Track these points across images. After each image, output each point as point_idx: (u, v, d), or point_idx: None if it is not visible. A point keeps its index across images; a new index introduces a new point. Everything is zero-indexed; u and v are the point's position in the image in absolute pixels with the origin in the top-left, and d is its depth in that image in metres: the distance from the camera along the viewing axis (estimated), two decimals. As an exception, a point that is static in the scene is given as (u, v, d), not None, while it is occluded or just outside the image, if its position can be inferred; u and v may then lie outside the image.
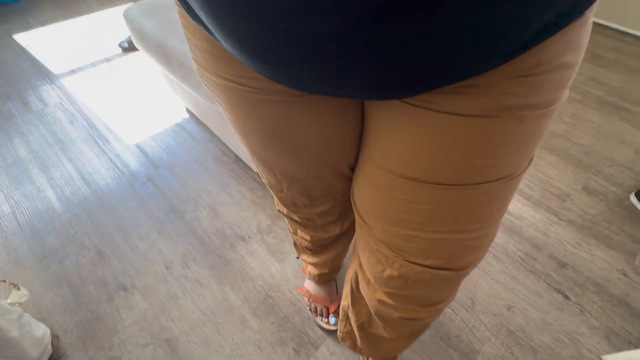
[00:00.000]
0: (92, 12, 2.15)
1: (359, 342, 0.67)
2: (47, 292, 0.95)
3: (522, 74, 0.27)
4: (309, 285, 0.93)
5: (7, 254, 1.03)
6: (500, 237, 1.13)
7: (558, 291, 1.00)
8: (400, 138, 0.34)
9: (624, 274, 1.03)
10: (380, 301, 0.48)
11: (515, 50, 0.25)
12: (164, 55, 1.03)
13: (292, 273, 1.02)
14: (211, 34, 0.31)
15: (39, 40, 1.88)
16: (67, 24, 2.03)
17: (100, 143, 1.37)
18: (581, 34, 0.28)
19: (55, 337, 0.87)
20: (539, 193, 1.26)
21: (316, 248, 0.76)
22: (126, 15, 1.15)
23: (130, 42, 1.84)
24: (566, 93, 0.31)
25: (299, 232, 0.71)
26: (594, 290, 1.00)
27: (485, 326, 0.93)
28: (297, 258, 0.99)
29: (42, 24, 2.02)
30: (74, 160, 1.30)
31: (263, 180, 0.57)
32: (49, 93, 1.58)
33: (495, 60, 0.25)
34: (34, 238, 1.07)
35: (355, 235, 0.54)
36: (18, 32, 1.94)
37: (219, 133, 1.30)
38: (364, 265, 0.49)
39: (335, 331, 0.89)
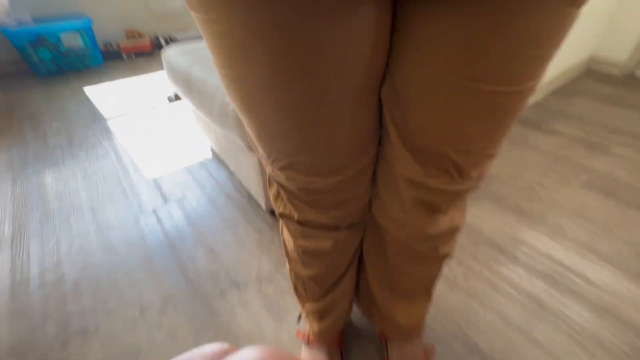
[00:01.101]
0: (155, 70, 2.44)
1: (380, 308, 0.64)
2: (2, 326, 0.81)
3: None
4: (306, 355, 0.68)
5: (-15, 278, 0.93)
6: (585, 318, 0.80)
7: None
8: (447, 36, 0.29)
9: None
10: (410, 237, 0.49)
11: None
12: (187, 83, 1.03)
13: (290, 337, 0.78)
14: None
15: (102, 92, 2.13)
16: (130, 80, 2.31)
17: (120, 175, 1.35)
18: None
19: (-16, 387, 0.69)
20: (637, 262, 0.93)
21: (334, 266, 0.58)
22: (163, 54, 1.22)
23: (176, 95, 2.00)
24: None
25: (312, 237, 0.52)
26: None
27: None
28: (298, 321, 0.75)
29: (111, 79, 2.32)
30: (90, 190, 1.27)
31: (268, 164, 0.42)
32: (94, 133, 1.68)
33: None
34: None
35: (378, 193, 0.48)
36: (89, 85, 2.23)
37: (233, 167, 1.22)
38: (391, 204, 0.46)
39: None
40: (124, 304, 0.86)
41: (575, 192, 1.20)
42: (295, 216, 0.49)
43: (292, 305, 0.84)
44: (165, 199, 1.22)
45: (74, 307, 0.85)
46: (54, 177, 1.35)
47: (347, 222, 0.51)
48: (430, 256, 0.53)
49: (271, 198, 0.52)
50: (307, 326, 0.68)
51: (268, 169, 0.45)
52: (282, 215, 0.52)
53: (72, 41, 2.39)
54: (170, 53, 1.20)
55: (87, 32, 2.42)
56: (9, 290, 0.90)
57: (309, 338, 0.69)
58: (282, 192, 0.49)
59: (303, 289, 0.62)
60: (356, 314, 0.81)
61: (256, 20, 0.28)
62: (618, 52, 2.17)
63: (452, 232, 0.50)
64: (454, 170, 0.38)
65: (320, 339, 0.67)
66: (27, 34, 2.20)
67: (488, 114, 0.33)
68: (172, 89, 2.09)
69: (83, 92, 2.13)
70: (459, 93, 0.31)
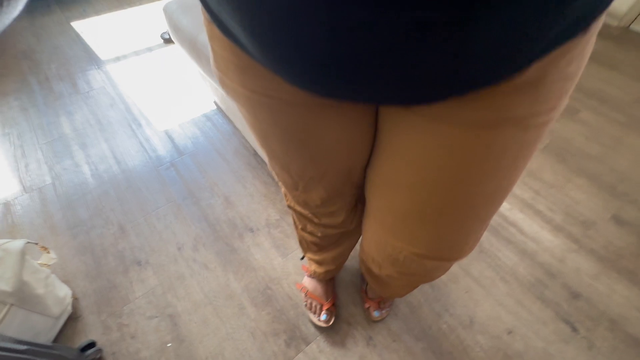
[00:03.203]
0: (143, 3, 2.30)
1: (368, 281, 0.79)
2: (73, 258, 1.06)
3: (527, 85, 0.29)
4: (308, 282, 0.96)
5: (44, 220, 1.15)
6: (510, 259, 1.09)
7: (566, 322, 0.95)
8: (409, 145, 0.38)
9: (645, 314, 0.96)
10: (387, 275, 0.59)
11: (524, 63, 0.27)
12: (195, 49, 1.09)
13: (293, 269, 1.05)
14: (240, 45, 0.33)
15: (92, 28, 2.05)
16: (118, 14, 2.19)
17: (134, 127, 1.47)
18: (586, 45, 0.30)
19: (75, 299, 0.96)
20: (561, 217, 1.19)
21: (324, 244, 0.77)
22: (165, 10, 1.23)
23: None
24: (566, 101, 0.33)
25: (309, 227, 0.71)
26: (608, 327, 0.94)
27: (481, 347, 0.90)
28: (302, 259, 1.01)
29: (97, 12, 2.19)
30: (109, 141, 1.41)
31: (277, 180, 0.59)
32: (95, 77, 1.72)
33: (506, 72, 0.27)
34: (68, 208, 1.18)
35: (363, 223, 0.61)
36: (76, 19, 2.12)
37: (240, 127, 1.36)
38: (373, 251, 0.57)
39: (326, 329, 0.91)
40: (163, 243, 1.10)
41: (534, 155, 1.41)
42: (297, 209, 0.66)
43: (296, 246, 1.10)
44: (179, 152, 1.38)
45: (125, 244, 1.09)
46: (71, 127, 1.47)
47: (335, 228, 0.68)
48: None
49: (282, 192, 0.69)
50: (310, 265, 0.93)
51: (289, 200, 0.63)
52: (289, 207, 0.68)
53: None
54: (172, 9, 1.21)
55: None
56: (68, 230, 1.12)
57: (309, 272, 0.95)
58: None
59: (305, 245, 0.83)
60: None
61: (273, 129, 0.42)
62: (620, 2, 2.13)
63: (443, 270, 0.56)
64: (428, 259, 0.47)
65: (321, 279, 0.92)
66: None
67: (450, 212, 0.40)
68: (165, 27, 2.03)
69: (71, 27, 2.05)
70: (418, 188, 0.39)
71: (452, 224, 0.42)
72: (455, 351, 0.90)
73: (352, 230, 0.70)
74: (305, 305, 0.95)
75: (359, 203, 0.62)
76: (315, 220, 0.66)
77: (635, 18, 2.14)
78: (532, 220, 1.18)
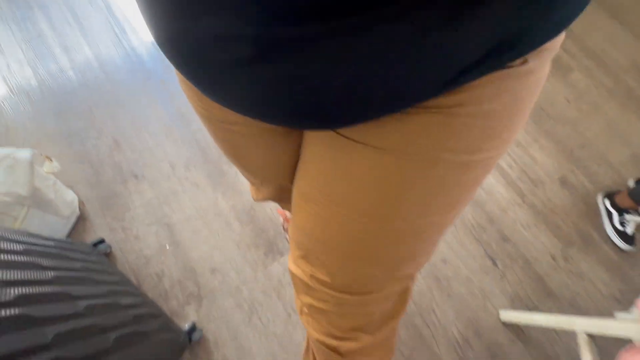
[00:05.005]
0: None
1: None
2: (71, 166, 1.15)
3: (440, 109, 0.26)
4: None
5: (37, 126, 1.19)
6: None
7: (491, 258, 1.18)
8: (318, 163, 0.36)
9: (553, 259, 1.20)
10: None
11: (431, 93, 0.25)
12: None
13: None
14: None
15: None
16: None
17: (118, 32, 1.39)
18: (520, 85, 0.27)
19: (81, 203, 1.09)
20: (517, 174, 1.34)
21: None
22: None
23: None
24: (500, 147, 0.30)
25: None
26: (522, 265, 1.19)
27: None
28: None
29: None
30: (93, 47, 1.35)
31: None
32: (67, -39, 1.51)
33: (411, 100, 0.26)
34: (59, 116, 1.21)
35: None
36: None
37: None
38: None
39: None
40: (156, 160, 1.19)
41: (515, 112, 1.47)
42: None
43: (278, 176, 1.22)
44: (169, 68, 1.35)
45: (120, 157, 1.18)
46: (49, 24, 1.37)
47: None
48: None
49: None
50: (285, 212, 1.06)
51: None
52: None
53: None
54: None
55: None
56: (63, 139, 1.18)
57: (284, 216, 1.09)
58: None
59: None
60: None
61: (212, 133, 0.47)
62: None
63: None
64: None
65: None
66: None
67: (350, 239, 0.35)
68: None
69: None
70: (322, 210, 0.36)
71: (362, 257, 0.36)
72: (398, 272, 1.13)
73: None
74: (283, 227, 1.12)
75: None
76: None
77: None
78: (491, 175, 1.33)
